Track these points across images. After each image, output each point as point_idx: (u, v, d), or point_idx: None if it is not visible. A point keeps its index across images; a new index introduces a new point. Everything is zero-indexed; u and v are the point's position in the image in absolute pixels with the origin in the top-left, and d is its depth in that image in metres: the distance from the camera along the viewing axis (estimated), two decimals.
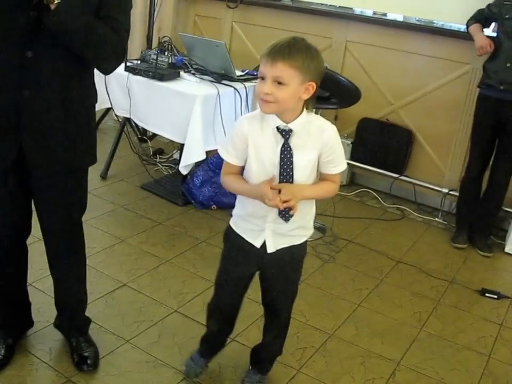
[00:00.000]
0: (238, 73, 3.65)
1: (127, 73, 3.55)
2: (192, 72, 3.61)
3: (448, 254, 3.58)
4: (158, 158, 4.50)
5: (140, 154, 4.27)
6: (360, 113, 4.20)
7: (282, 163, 1.78)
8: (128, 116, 3.71)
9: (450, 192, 3.99)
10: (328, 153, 1.81)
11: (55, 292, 2.28)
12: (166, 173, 4.25)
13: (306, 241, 1.99)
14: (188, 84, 3.48)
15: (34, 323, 2.42)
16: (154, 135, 4.45)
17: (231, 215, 2.01)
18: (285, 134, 1.77)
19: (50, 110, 1.86)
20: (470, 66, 3.82)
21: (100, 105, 3.65)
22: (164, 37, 3.67)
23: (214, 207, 3.74)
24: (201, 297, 2.80)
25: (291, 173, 1.79)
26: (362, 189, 4.36)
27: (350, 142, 4.30)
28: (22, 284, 2.29)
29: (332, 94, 3.35)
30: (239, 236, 1.95)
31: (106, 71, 1.97)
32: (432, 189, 4.10)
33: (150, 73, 3.43)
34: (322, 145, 1.80)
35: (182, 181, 3.81)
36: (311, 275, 3.12)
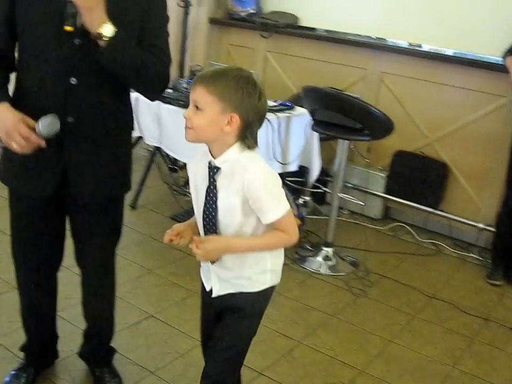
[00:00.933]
0: (271, 103, 3.63)
1: (158, 101, 3.55)
2: None
3: (484, 290, 3.45)
4: (188, 188, 4.47)
5: (169, 184, 4.26)
6: (395, 145, 4.13)
7: (207, 205, 1.64)
8: (158, 145, 3.71)
9: (486, 227, 3.87)
10: (252, 200, 1.58)
11: (86, 319, 2.25)
12: None
13: (266, 290, 1.74)
14: None
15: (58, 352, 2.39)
16: (186, 164, 4.43)
17: None
18: (211, 172, 1.64)
19: (93, 138, 1.86)
20: (507, 99, 3.74)
21: (134, 133, 3.67)
22: (195, 65, 3.68)
23: None
24: None
25: (213, 219, 1.64)
26: (397, 223, 4.27)
27: (384, 175, 4.23)
28: (51, 316, 2.26)
29: (364, 126, 3.30)
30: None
31: (153, 99, 2.07)
32: (468, 223, 3.98)
33: (181, 102, 3.43)
34: (244, 189, 1.58)
35: None
36: (342, 309, 3.03)
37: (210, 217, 1.64)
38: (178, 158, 3.68)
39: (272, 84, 4.52)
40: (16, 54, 1.84)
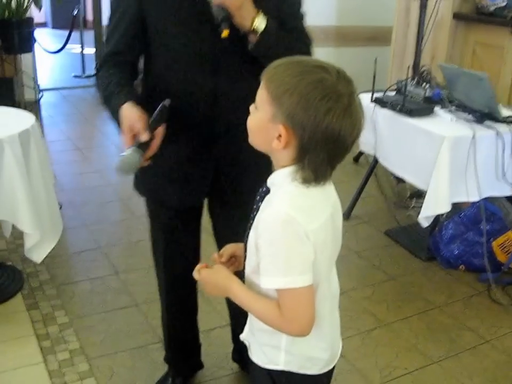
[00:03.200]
0: (508, 113, 3.02)
1: (373, 104, 3.21)
2: (449, 109, 3.10)
3: None
4: (413, 201, 4.03)
5: (387, 196, 3.85)
6: None
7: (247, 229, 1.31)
8: (373, 153, 3.36)
9: None
10: (258, 246, 1.20)
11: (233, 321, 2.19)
12: (416, 220, 3.78)
13: (281, 374, 1.32)
14: (440, 122, 2.98)
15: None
16: None
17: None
18: (261, 189, 1.29)
19: (242, 141, 1.69)
20: None
21: None
22: (422, 66, 3.24)
23: (461, 268, 3.15)
24: (411, 376, 2.34)
25: (245, 247, 1.31)
26: None
27: None
28: (193, 324, 2.18)
29: None
30: None
31: None
32: None
33: (398, 106, 3.04)
34: (257, 229, 1.21)
35: (430, 232, 3.31)
36: None
37: (245, 244, 1.32)
38: (389, 168, 3.29)
39: None
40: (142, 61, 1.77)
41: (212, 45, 1.61)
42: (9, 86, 4.18)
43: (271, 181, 1.24)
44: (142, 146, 1.50)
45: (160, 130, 1.56)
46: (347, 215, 3.73)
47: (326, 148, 1.14)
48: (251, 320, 1.36)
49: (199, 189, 1.79)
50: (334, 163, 1.18)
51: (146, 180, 1.83)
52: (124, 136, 1.53)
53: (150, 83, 1.75)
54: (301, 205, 1.17)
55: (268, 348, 1.32)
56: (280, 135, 1.15)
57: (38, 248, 2.64)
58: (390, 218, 3.73)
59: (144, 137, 1.49)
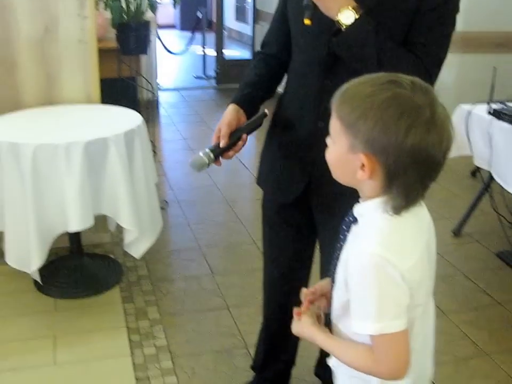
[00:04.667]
0: None
1: (491, 116, 2.99)
2: None
3: None
4: None
5: (500, 214, 3.58)
6: None
7: (331, 262, 1.24)
8: (488, 169, 3.13)
9: None
10: (348, 286, 1.12)
11: None
12: None
13: None
14: None
15: None
16: None
17: None
18: (348, 219, 1.20)
19: None
20: None
21: (459, 151, 3.20)
22: None
23: None
24: None
25: (333, 281, 1.23)
26: None
27: None
28: (292, 342, 2.09)
29: None
30: None
31: None
32: None
33: None
34: (346, 268, 1.13)
35: None
36: None
37: (333, 273, 1.23)
38: (504, 186, 3.05)
39: None
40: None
41: (325, 44, 1.56)
42: (128, 86, 4.36)
43: (359, 211, 1.16)
44: (217, 150, 1.56)
45: (244, 138, 1.59)
46: (457, 232, 3.52)
47: (416, 169, 1.03)
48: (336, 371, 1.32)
49: (293, 186, 1.75)
50: (426, 182, 1.08)
51: (260, 169, 1.90)
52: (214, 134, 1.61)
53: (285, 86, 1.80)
54: (394, 243, 1.08)
55: (356, 380, 1.23)
56: (363, 165, 1.06)
57: (136, 244, 2.72)
58: (503, 239, 3.46)
59: (222, 143, 1.56)
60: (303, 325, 1.27)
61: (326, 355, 1.48)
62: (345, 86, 1.10)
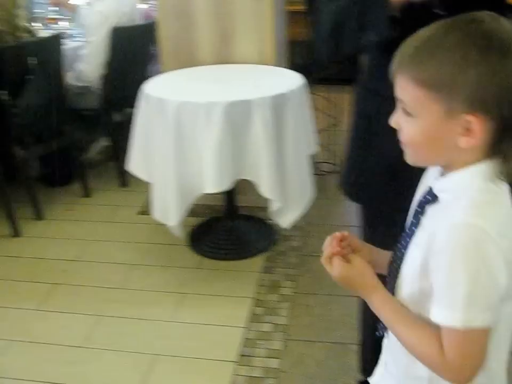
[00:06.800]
0: None
1: None
2: None
3: None
4: None
5: None
6: None
7: (398, 246, 1.03)
8: None
9: None
10: (432, 267, 0.90)
11: None
12: None
13: None
14: None
15: None
16: None
17: None
18: (424, 199, 0.98)
19: None
20: None
21: None
22: None
23: None
24: None
25: (397, 269, 1.01)
26: None
27: None
28: None
29: None
30: None
31: None
32: None
33: None
34: (428, 245, 0.90)
35: None
36: None
37: (395, 265, 1.02)
38: None
39: None
40: None
41: None
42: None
43: (443, 186, 0.95)
44: None
45: None
46: None
47: None
48: (388, 363, 1.11)
49: None
50: None
51: None
52: None
53: None
54: (494, 217, 0.87)
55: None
56: (468, 129, 0.86)
57: (282, 213, 2.60)
58: None
59: None
60: (354, 271, 1.02)
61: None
62: (412, 42, 0.89)
